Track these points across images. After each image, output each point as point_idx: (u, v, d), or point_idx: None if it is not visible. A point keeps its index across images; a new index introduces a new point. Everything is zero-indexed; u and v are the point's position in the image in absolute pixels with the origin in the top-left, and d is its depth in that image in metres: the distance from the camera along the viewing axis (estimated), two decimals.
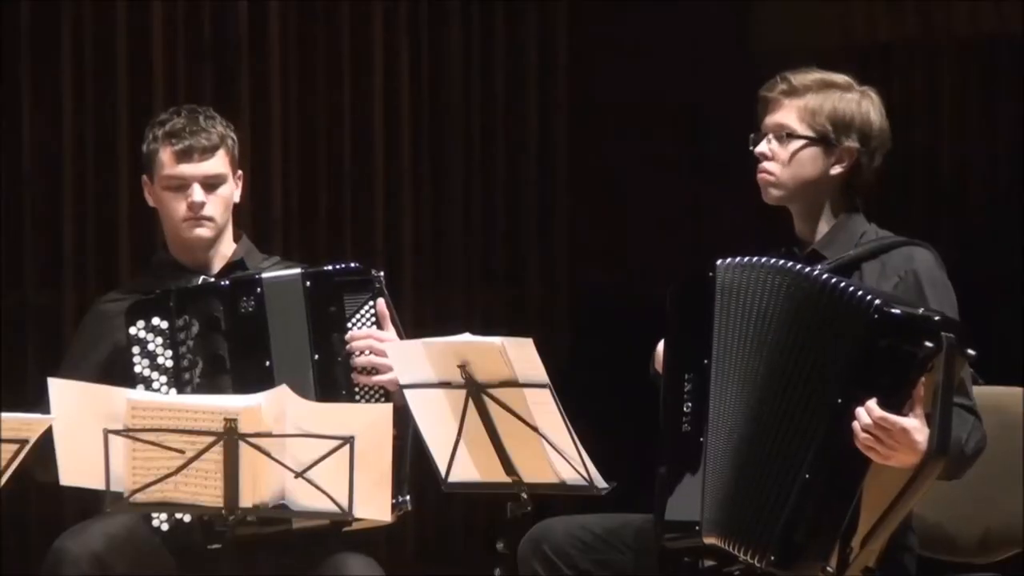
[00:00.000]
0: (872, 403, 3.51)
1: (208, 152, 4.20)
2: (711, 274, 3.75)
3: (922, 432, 3.51)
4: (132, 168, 4.34)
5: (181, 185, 4.21)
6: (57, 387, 3.71)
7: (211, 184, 4.21)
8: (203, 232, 4.22)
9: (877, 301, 3.55)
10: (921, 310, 3.57)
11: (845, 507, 3.55)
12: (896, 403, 3.51)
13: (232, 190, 4.26)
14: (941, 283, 3.79)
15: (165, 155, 4.21)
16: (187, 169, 4.21)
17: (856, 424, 3.52)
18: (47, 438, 3.67)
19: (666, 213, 6.58)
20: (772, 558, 3.58)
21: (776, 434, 3.63)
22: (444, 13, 6.49)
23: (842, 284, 3.62)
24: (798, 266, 3.70)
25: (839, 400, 3.55)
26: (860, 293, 3.58)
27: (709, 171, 6.40)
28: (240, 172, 4.30)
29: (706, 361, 3.71)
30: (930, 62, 6.41)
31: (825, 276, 3.65)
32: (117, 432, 3.59)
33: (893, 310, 3.54)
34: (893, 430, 3.49)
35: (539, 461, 3.68)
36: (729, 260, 3.75)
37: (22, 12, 6.06)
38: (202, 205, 4.19)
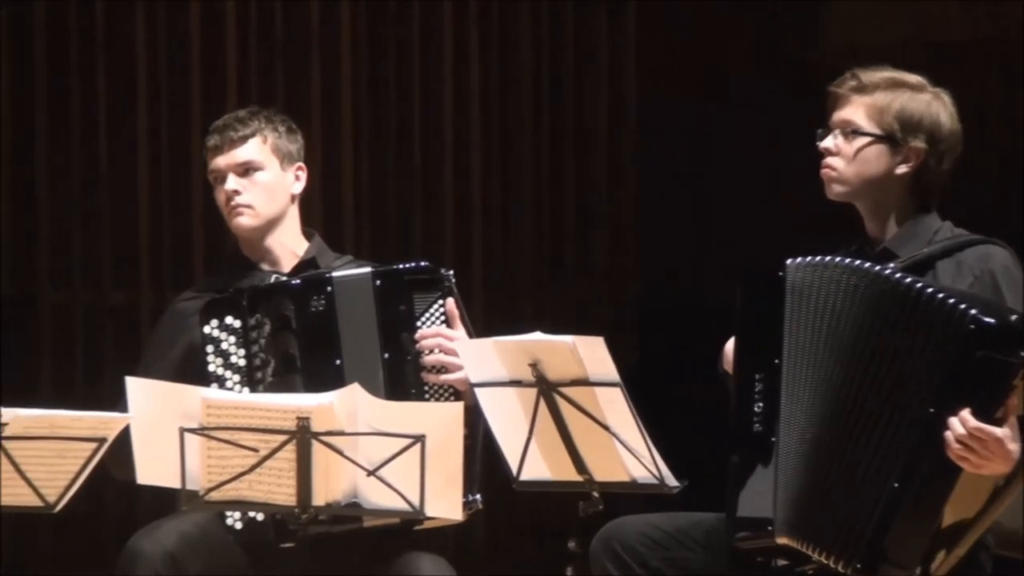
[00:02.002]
0: (966, 413, 3.48)
1: (239, 141, 4.26)
2: (781, 273, 3.73)
3: (1014, 441, 3.49)
4: (205, 168, 4.37)
5: (218, 178, 4.28)
6: (135, 386, 3.74)
7: (245, 171, 4.25)
8: (243, 220, 4.25)
9: (973, 311, 3.50)
10: (1014, 317, 3.53)
11: (933, 516, 3.54)
12: (989, 412, 3.49)
13: (276, 179, 4.28)
14: (1018, 283, 3.75)
15: (208, 154, 4.30)
16: (221, 161, 4.28)
17: (949, 434, 3.49)
18: (125, 437, 3.70)
19: (737, 212, 6.55)
20: (858, 565, 3.57)
21: (857, 440, 3.61)
22: (515, 12, 6.48)
23: (928, 289, 3.57)
24: (876, 267, 3.68)
25: (931, 410, 3.52)
26: (951, 301, 3.53)
27: (781, 169, 6.37)
28: (300, 165, 4.32)
29: (776, 361, 3.69)
30: (1007, 60, 6.35)
31: (908, 280, 3.61)
32: (192, 431, 3.61)
33: (987, 319, 3.49)
34: (988, 440, 3.47)
35: (610, 460, 3.68)
36: (799, 259, 3.74)
37: (97, 11, 6.12)
38: (235, 192, 4.23)
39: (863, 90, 3.87)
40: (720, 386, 3.87)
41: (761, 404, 3.71)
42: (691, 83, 6.59)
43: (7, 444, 3.58)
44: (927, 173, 3.86)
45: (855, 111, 3.87)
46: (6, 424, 3.57)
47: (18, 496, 3.64)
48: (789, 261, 3.74)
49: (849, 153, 3.87)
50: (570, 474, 3.72)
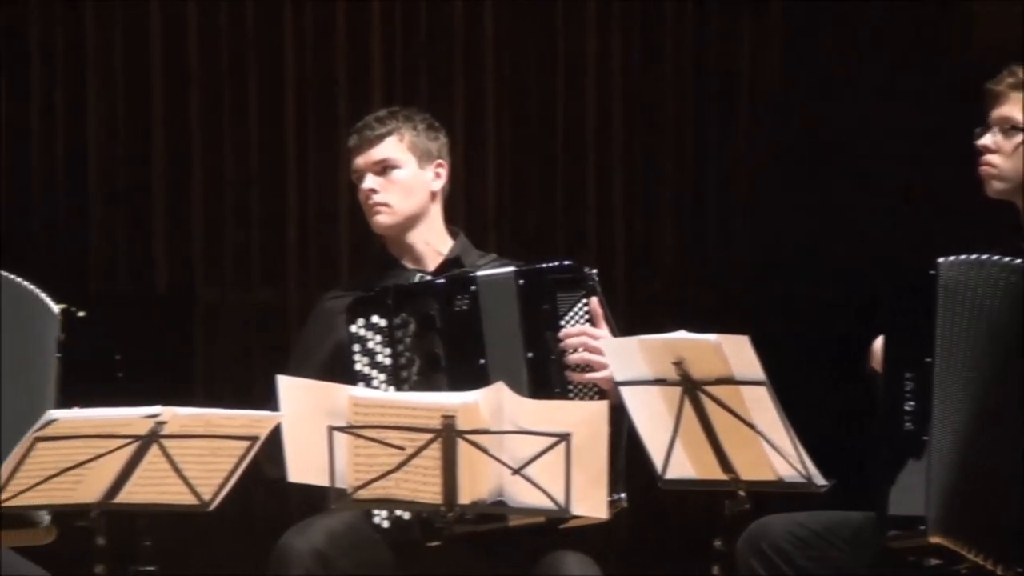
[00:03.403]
0: None
1: (376, 140, 4.29)
2: (932, 272, 3.70)
3: None
4: (350, 168, 4.42)
5: (358, 176, 4.32)
6: (286, 385, 3.78)
7: (382, 169, 4.28)
8: (381, 219, 4.28)
9: None
10: None
11: None
12: None
13: (414, 176, 4.29)
14: None
15: (350, 153, 4.33)
16: (359, 160, 4.32)
17: None
18: (276, 435, 3.74)
19: (878, 211, 6.49)
20: (1020, 569, 3.53)
21: (1014, 438, 3.57)
22: (658, 14, 6.47)
23: None
24: None
25: None
26: None
27: (928, 168, 6.31)
28: (440, 162, 4.34)
29: (928, 359, 3.66)
30: None
31: None
32: (340, 429, 3.64)
33: None
34: None
35: (757, 458, 3.66)
36: (952, 258, 3.70)
37: (247, 12, 6.20)
38: (373, 191, 4.27)
39: (1021, 86, 3.83)
40: (866, 385, 3.84)
41: (912, 403, 3.68)
42: (837, 82, 6.53)
43: (165, 442, 3.64)
44: None
45: (1013, 107, 3.84)
46: (165, 423, 3.63)
47: (174, 494, 3.69)
48: (941, 260, 3.71)
49: (1008, 149, 3.83)
50: (715, 473, 3.71)
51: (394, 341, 4.10)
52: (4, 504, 3.60)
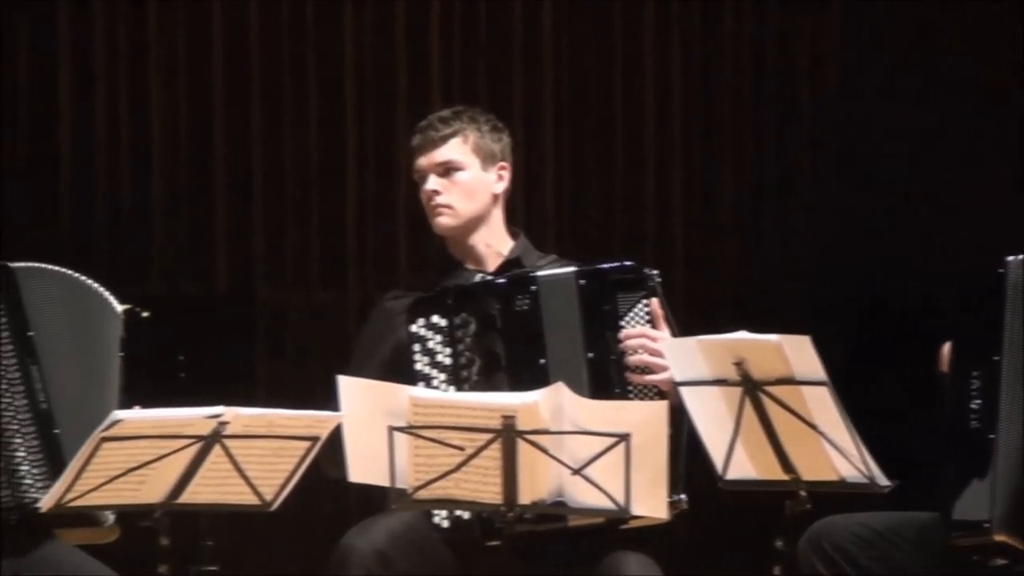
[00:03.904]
0: None
1: (440, 141, 4.28)
2: (1001, 271, 3.68)
3: None
4: (410, 167, 4.42)
5: (421, 177, 4.31)
6: (346, 385, 3.78)
7: (445, 171, 4.27)
8: (443, 220, 4.28)
9: None
10: None
11: None
12: None
13: (477, 179, 4.29)
14: None
15: (413, 153, 4.33)
16: (422, 160, 4.31)
17: None
18: (336, 435, 3.75)
19: (941, 210, 6.45)
20: None
21: None
22: (718, 13, 6.45)
23: None
24: None
25: None
26: None
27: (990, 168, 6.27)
28: (503, 164, 4.33)
29: (996, 358, 3.64)
30: None
31: None
32: (400, 429, 3.65)
33: None
34: None
35: (818, 459, 3.65)
36: (1021, 257, 3.69)
37: (307, 13, 6.22)
38: (435, 192, 4.26)
39: None
40: (935, 386, 3.82)
41: (979, 401, 3.66)
42: (899, 81, 6.50)
43: (227, 443, 3.65)
44: None
45: None
46: (227, 423, 3.65)
47: (237, 495, 3.71)
48: (1010, 258, 3.70)
49: None
50: (776, 473, 3.70)
51: (454, 341, 4.11)
52: (71, 504, 3.63)
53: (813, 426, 3.63)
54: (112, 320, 4.09)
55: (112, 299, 4.12)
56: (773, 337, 3.63)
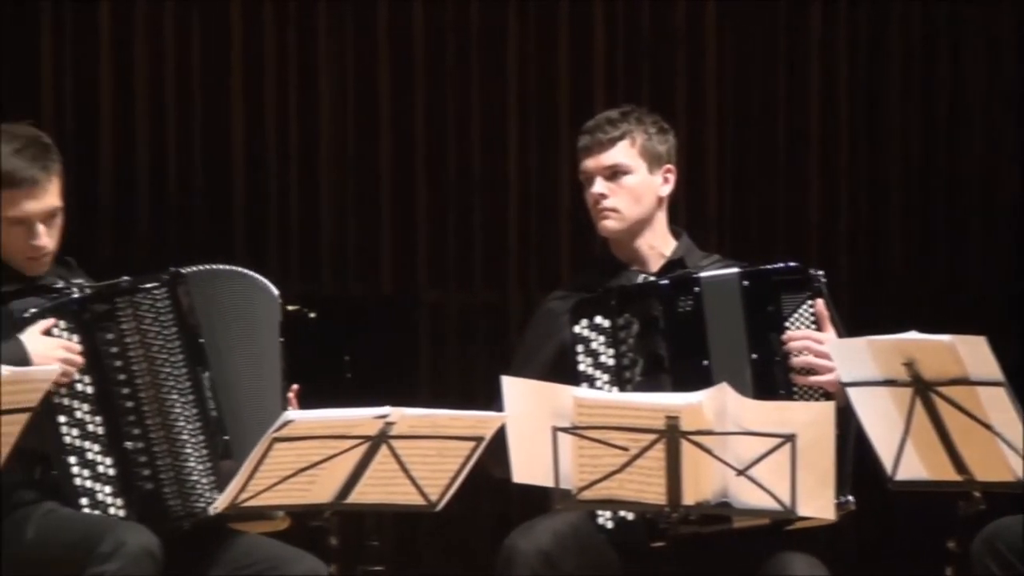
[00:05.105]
0: None
1: (608, 144, 4.25)
2: None
3: None
4: (572, 167, 4.43)
5: (587, 179, 4.28)
6: (510, 385, 3.80)
7: (612, 174, 4.25)
8: (608, 224, 4.26)
9: None
10: None
11: None
12: None
13: (644, 182, 4.25)
14: None
15: (579, 154, 4.30)
16: (589, 163, 4.28)
17: None
18: (500, 435, 3.76)
19: None
20: None
21: None
22: (885, 13, 6.39)
23: None
24: None
25: None
26: None
27: None
28: (669, 167, 4.31)
29: None
30: None
31: None
32: (565, 430, 3.66)
33: None
34: None
35: (993, 459, 3.61)
36: None
37: (472, 12, 6.27)
38: (602, 196, 4.24)
39: None
40: None
41: None
42: None
43: (394, 443, 3.68)
44: None
45: None
46: (393, 423, 3.67)
47: (403, 495, 3.74)
48: None
49: None
50: (948, 474, 3.65)
51: (617, 342, 4.10)
52: (244, 504, 3.68)
53: (988, 426, 3.58)
54: (272, 306, 4.11)
55: (269, 285, 4.15)
56: (946, 337, 3.58)
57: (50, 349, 3.87)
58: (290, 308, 4.23)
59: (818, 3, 6.35)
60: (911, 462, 3.68)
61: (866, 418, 3.72)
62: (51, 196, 4.01)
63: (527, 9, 6.26)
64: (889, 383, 3.65)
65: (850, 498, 3.94)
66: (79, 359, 3.90)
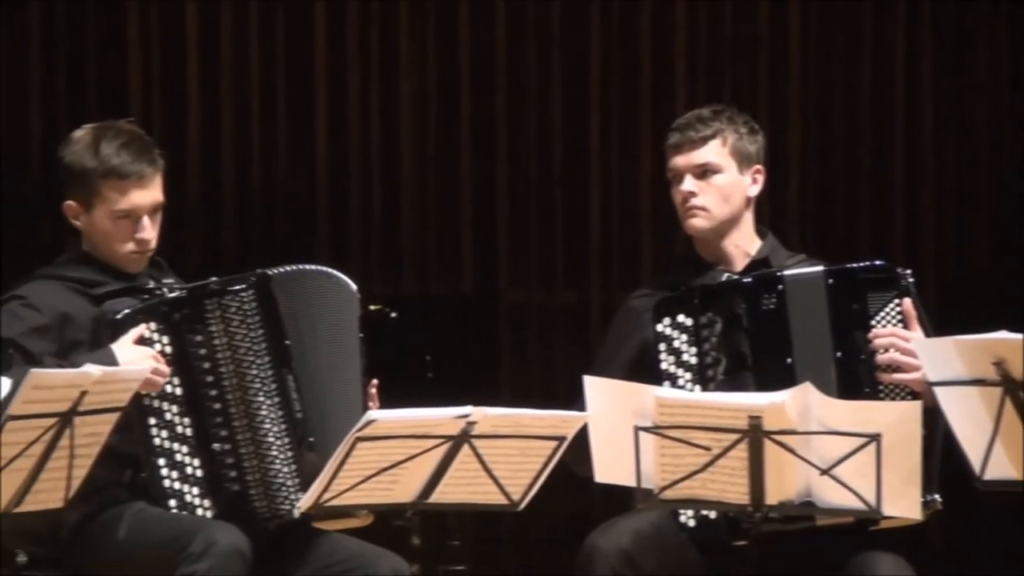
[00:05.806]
0: None
1: (699, 143, 4.23)
2: None
3: None
4: (654, 166, 4.42)
5: (676, 176, 4.26)
6: (592, 385, 3.79)
7: (702, 173, 4.23)
8: (695, 222, 4.23)
9: None
10: None
11: None
12: None
13: (733, 182, 4.23)
14: None
15: (668, 151, 4.28)
16: (679, 160, 4.26)
17: None
18: (582, 435, 3.76)
19: None
20: None
21: None
22: (971, 13, 6.33)
23: None
24: None
25: None
26: None
27: None
28: (758, 168, 4.29)
29: None
30: None
31: None
32: (647, 429, 3.65)
33: None
34: None
35: None
36: None
37: (554, 11, 6.27)
38: (691, 194, 4.22)
39: None
40: None
41: None
42: None
43: (476, 442, 3.68)
44: None
45: None
46: (475, 423, 3.67)
47: (485, 494, 3.74)
48: None
49: None
50: None
51: (700, 340, 4.08)
52: (328, 504, 3.69)
53: None
54: (352, 302, 4.13)
55: (349, 282, 4.16)
56: None
57: (140, 359, 3.89)
58: (372, 308, 4.24)
59: (902, 3, 6.30)
60: (1000, 462, 3.64)
61: (954, 418, 3.68)
62: (157, 190, 4.06)
63: (609, 9, 6.26)
64: (978, 382, 3.62)
65: (937, 497, 3.92)
66: (167, 368, 3.93)
